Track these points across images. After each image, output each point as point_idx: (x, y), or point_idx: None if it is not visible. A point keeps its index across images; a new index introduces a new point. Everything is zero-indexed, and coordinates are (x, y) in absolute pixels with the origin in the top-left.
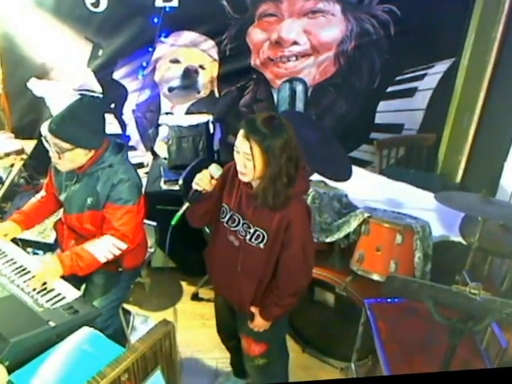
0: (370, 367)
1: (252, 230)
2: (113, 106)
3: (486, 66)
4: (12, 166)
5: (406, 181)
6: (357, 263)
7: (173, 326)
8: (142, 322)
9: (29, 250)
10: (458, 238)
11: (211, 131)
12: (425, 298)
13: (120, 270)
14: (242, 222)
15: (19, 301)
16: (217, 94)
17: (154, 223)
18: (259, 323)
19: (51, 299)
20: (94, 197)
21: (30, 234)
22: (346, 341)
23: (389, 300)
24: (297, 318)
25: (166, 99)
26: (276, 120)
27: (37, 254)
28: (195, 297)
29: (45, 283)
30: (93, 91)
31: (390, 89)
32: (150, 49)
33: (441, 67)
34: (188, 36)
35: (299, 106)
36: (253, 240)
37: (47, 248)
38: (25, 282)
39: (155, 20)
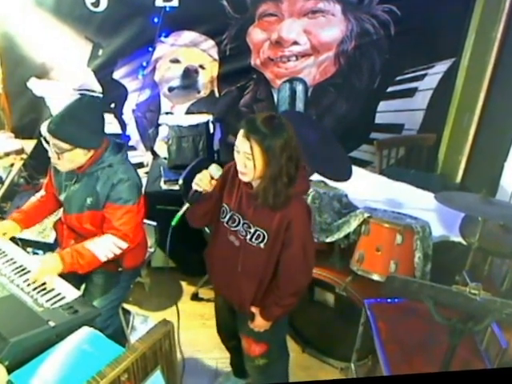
0: (370, 367)
1: (252, 230)
2: (113, 105)
3: (486, 66)
4: (12, 165)
5: (406, 181)
6: (357, 263)
7: (172, 326)
8: (142, 322)
9: (29, 249)
10: (458, 238)
11: (211, 131)
12: (425, 298)
13: (120, 269)
14: (242, 221)
15: (19, 300)
16: (217, 94)
17: (154, 223)
18: (259, 323)
19: (51, 299)
20: (94, 197)
21: (30, 234)
22: (345, 341)
23: (389, 300)
24: (297, 318)
25: (166, 99)
26: (276, 120)
27: (37, 253)
28: (195, 297)
29: (44, 283)
30: (93, 91)
31: (390, 89)
32: (150, 48)
33: (441, 67)
34: (188, 36)
35: (299, 105)
36: (253, 240)
37: (47, 248)
38: (25, 281)
39: (155, 20)
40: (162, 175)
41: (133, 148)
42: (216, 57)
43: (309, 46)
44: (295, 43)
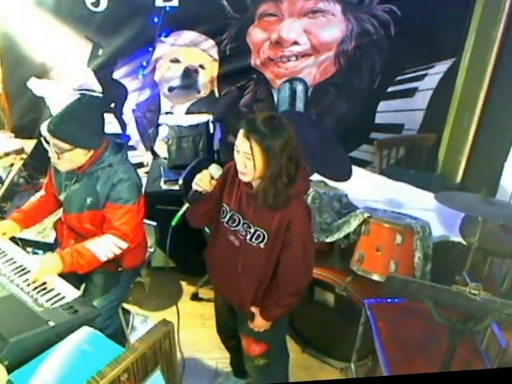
0: (370, 367)
1: (252, 230)
2: (113, 105)
3: (486, 67)
4: (12, 165)
5: (406, 181)
6: (357, 263)
7: (172, 326)
8: (142, 322)
9: (28, 249)
10: (458, 238)
11: (211, 131)
12: (425, 298)
13: (120, 269)
14: (242, 221)
15: (19, 300)
16: (217, 94)
17: (154, 223)
18: (260, 323)
19: (51, 299)
20: (94, 197)
21: (30, 234)
22: (345, 341)
23: (389, 300)
24: (297, 318)
25: (166, 99)
26: (276, 120)
27: (36, 253)
28: (195, 297)
29: (44, 283)
30: (93, 91)
31: (390, 89)
32: (150, 48)
33: (441, 67)
34: (188, 36)
35: (299, 105)
36: (253, 240)
37: (47, 248)
38: (24, 281)
39: (155, 20)
40: (161, 175)
41: (133, 148)
42: (216, 57)
43: (309, 46)
44: (295, 43)
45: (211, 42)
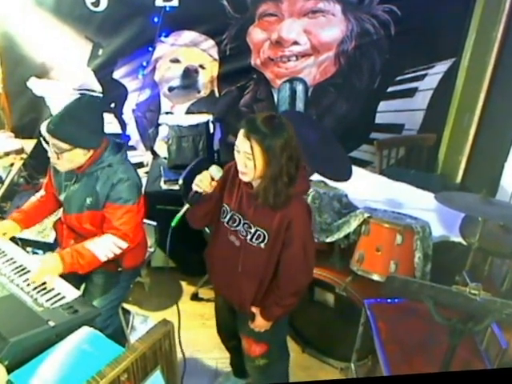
0: (370, 367)
1: (253, 230)
2: (113, 105)
3: (486, 67)
4: (12, 165)
5: (406, 181)
6: (357, 263)
7: (172, 326)
8: (142, 322)
9: (28, 249)
10: (458, 239)
11: (211, 131)
12: (425, 299)
13: (119, 269)
14: (242, 221)
15: (19, 300)
16: (217, 94)
17: (154, 223)
18: (260, 323)
19: (51, 299)
20: (94, 197)
21: (30, 234)
22: (345, 341)
23: (389, 300)
24: (297, 318)
25: (166, 99)
26: (276, 119)
27: (36, 253)
28: (195, 297)
29: (44, 283)
30: (93, 90)
31: (390, 89)
32: (150, 48)
33: (441, 67)
34: (188, 35)
35: (299, 105)
36: (253, 240)
37: (47, 247)
38: (24, 281)
39: (155, 19)
40: (161, 175)
41: (133, 148)
42: (216, 57)
43: (309, 46)
44: (295, 43)
45: (211, 42)
